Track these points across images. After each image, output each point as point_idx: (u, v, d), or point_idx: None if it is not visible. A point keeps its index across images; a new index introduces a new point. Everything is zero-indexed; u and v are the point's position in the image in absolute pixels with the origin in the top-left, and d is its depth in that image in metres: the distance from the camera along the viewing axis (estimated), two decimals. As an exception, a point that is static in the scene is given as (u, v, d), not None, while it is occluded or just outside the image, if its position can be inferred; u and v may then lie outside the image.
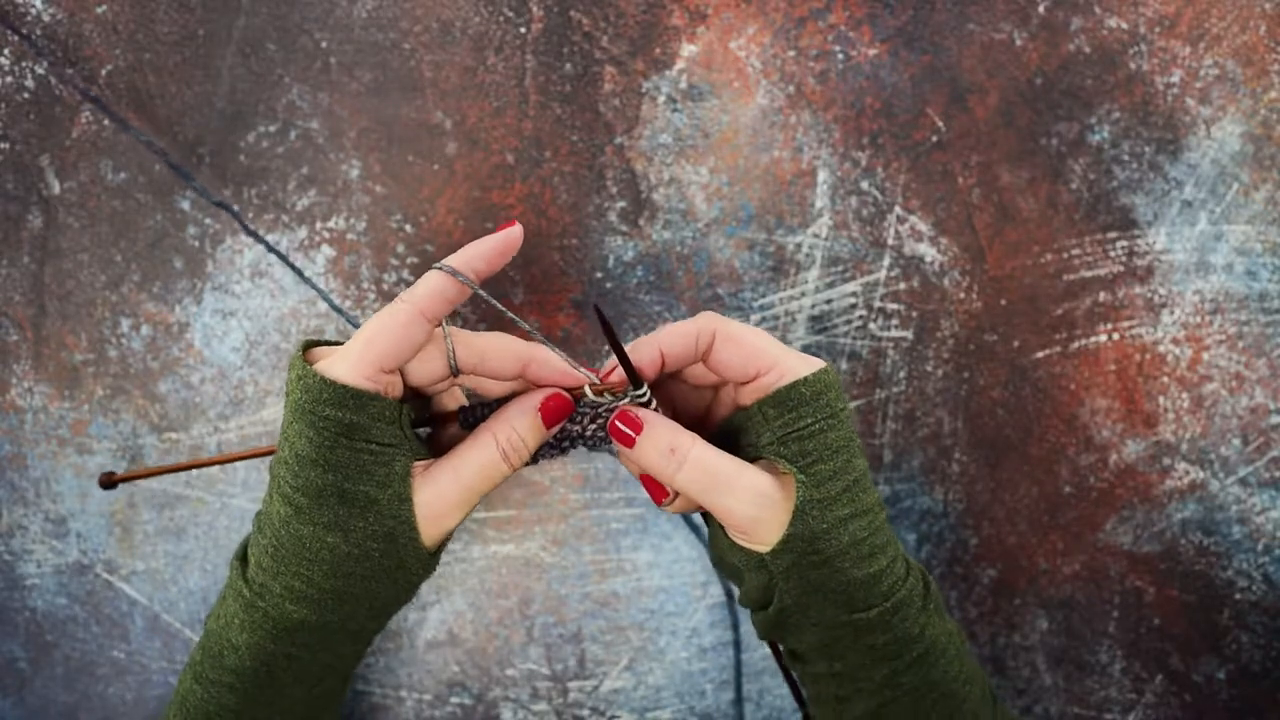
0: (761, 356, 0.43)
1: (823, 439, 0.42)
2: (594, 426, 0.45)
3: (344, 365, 0.40)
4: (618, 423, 0.43)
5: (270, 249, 0.56)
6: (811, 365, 0.43)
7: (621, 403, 0.44)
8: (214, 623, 0.45)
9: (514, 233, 0.43)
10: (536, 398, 0.44)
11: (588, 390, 0.44)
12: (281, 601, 0.42)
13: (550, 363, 0.44)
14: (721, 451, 0.43)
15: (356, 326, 0.56)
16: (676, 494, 0.45)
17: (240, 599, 0.44)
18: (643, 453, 0.43)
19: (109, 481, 0.48)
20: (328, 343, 0.44)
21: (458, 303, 0.43)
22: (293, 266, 0.56)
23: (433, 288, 0.42)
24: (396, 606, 0.46)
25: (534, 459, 0.46)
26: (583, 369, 0.44)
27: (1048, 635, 0.61)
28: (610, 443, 0.45)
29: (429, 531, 0.43)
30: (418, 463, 0.43)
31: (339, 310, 0.56)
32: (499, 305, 0.44)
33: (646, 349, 0.44)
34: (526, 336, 0.44)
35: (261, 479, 0.57)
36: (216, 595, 0.58)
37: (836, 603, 0.43)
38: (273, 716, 0.45)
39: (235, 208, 0.56)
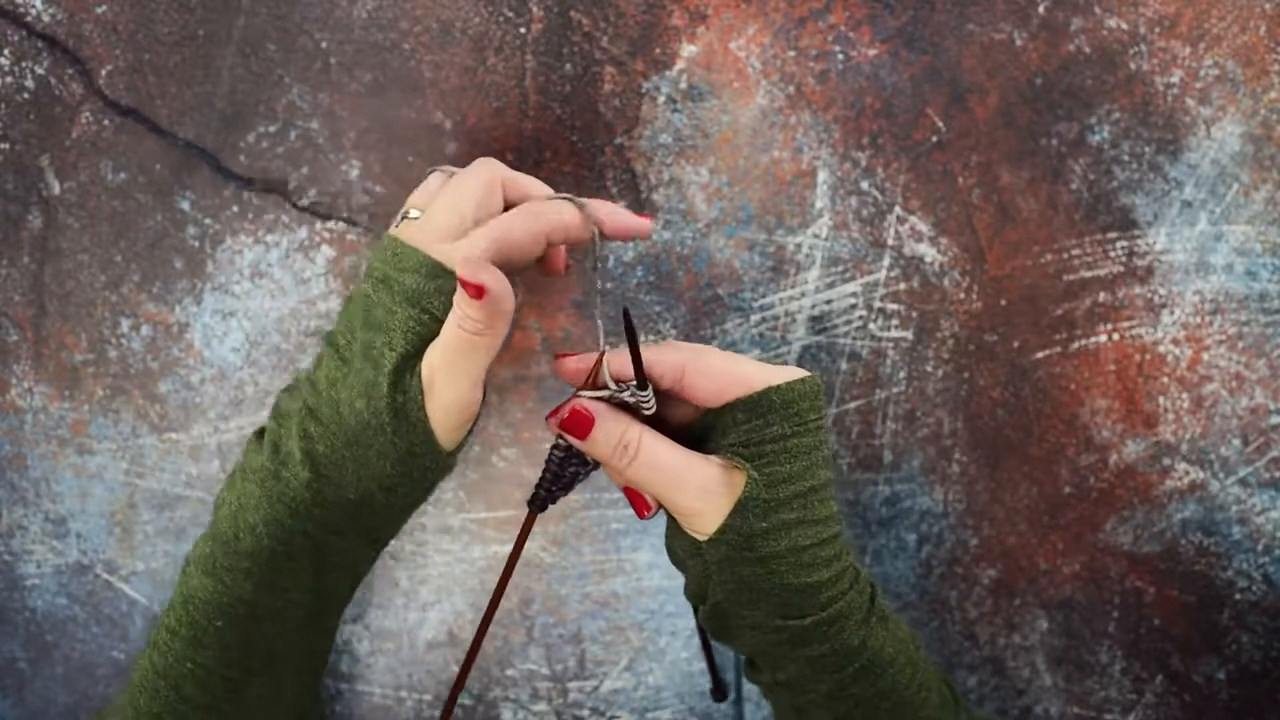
0: (736, 382, 0.42)
1: (784, 443, 0.42)
2: (579, 463, 0.45)
3: (473, 243, 0.43)
4: (570, 417, 0.43)
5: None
6: (789, 375, 0.43)
7: (624, 395, 0.43)
8: (224, 510, 0.45)
9: (646, 225, 0.47)
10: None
11: (605, 371, 0.43)
12: (303, 492, 0.43)
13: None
14: (673, 445, 0.43)
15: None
16: (659, 507, 0.45)
17: (259, 474, 0.44)
18: (594, 445, 0.43)
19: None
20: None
21: (570, 239, 0.46)
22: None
23: (578, 216, 0.45)
24: (409, 510, 0.47)
25: (544, 505, 0.46)
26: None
27: (1048, 635, 0.61)
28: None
29: (450, 421, 0.44)
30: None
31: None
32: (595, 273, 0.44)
33: (619, 363, 0.44)
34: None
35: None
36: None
37: (770, 606, 0.43)
38: (285, 609, 0.45)
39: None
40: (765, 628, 0.44)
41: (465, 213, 0.44)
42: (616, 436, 0.43)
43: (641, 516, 0.45)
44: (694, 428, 0.46)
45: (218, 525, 0.45)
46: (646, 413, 0.43)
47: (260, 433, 0.46)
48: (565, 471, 0.45)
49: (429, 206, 0.45)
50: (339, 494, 0.43)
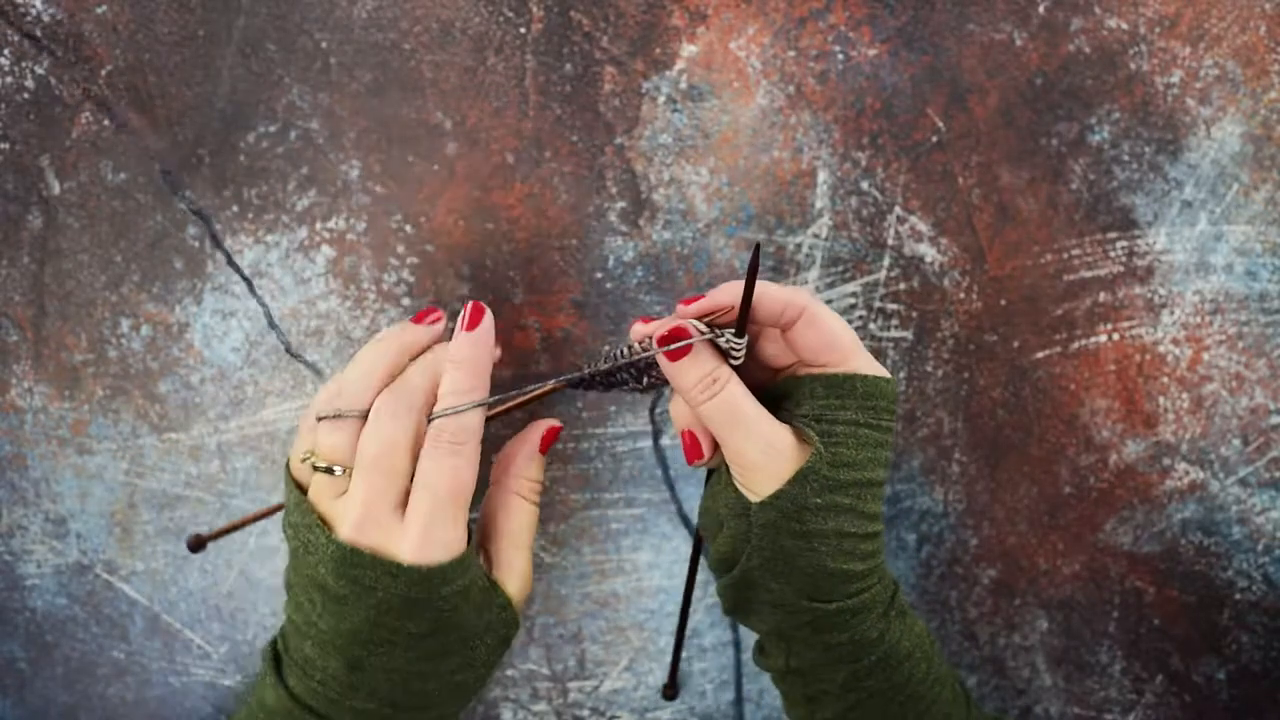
0: (837, 347, 0.43)
1: (856, 430, 0.43)
2: (634, 376, 0.46)
3: (455, 535, 0.41)
4: (669, 335, 0.43)
5: (230, 262, 0.56)
6: (877, 369, 0.44)
7: (720, 340, 0.44)
8: None
9: (487, 324, 0.44)
10: (534, 438, 0.47)
11: (694, 324, 0.44)
12: None
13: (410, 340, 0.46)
14: (754, 399, 0.43)
15: (303, 359, 0.56)
16: (713, 454, 0.45)
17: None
18: (682, 372, 0.43)
19: (198, 543, 0.48)
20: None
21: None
22: (246, 279, 0.56)
23: (476, 419, 0.43)
24: None
25: (578, 384, 0.47)
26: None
27: (1048, 635, 0.61)
28: (652, 389, 0.46)
29: (523, 606, 0.46)
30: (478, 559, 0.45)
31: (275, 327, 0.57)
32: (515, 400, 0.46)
33: (731, 296, 0.44)
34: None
35: (261, 479, 0.57)
36: (216, 595, 0.59)
37: (800, 584, 0.43)
38: None
39: (214, 220, 0.56)
40: (789, 606, 0.44)
41: (399, 465, 0.42)
42: (708, 369, 0.43)
43: (690, 462, 0.46)
44: (770, 390, 0.46)
45: None
46: (735, 362, 0.44)
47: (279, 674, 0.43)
48: (617, 375, 0.46)
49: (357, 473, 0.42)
50: None
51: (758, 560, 0.43)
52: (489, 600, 0.43)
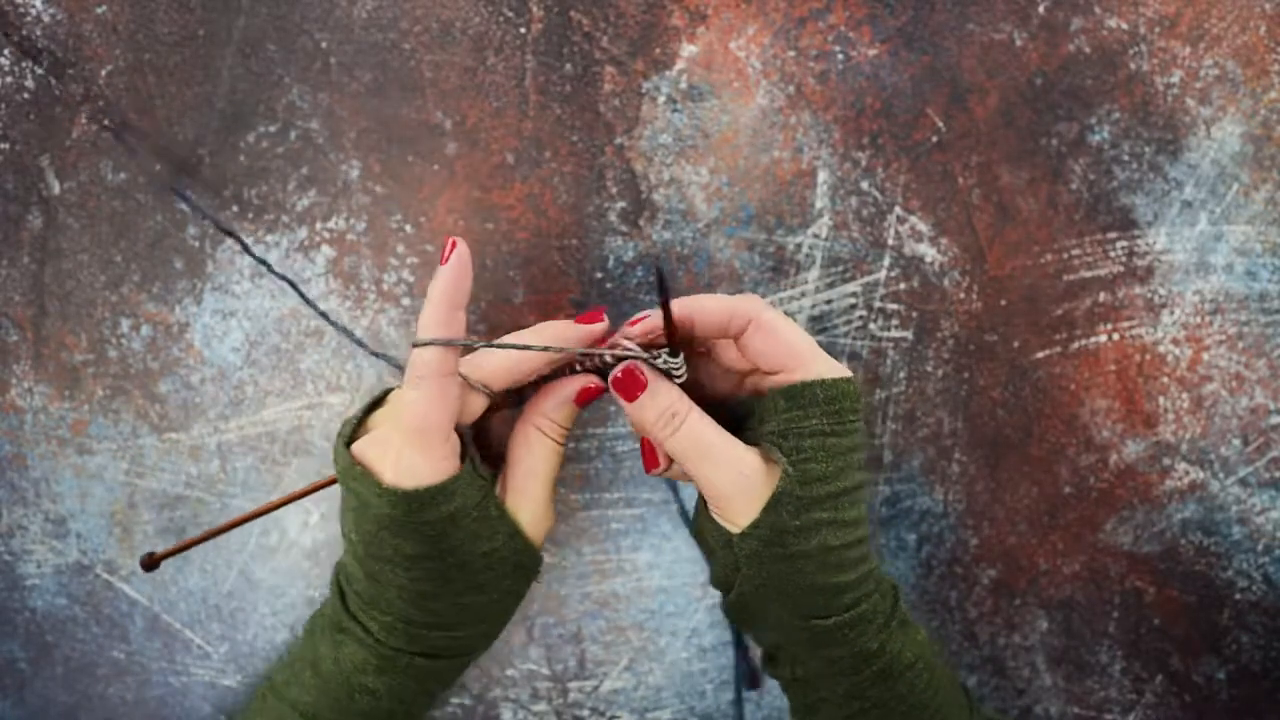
0: (791, 354, 0.43)
1: (823, 441, 0.42)
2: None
3: (423, 464, 0.41)
4: (623, 377, 0.43)
5: (260, 261, 0.56)
6: (835, 370, 0.43)
7: (657, 362, 0.43)
8: (330, 665, 0.45)
9: (461, 252, 0.43)
10: (569, 389, 0.46)
11: (627, 343, 0.44)
12: (423, 658, 0.45)
13: (567, 336, 0.45)
14: (717, 426, 0.43)
15: (352, 338, 0.56)
16: (669, 465, 0.46)
17: (371, 650, 0.45)
18: (641, 410, 0.43)
19: (151, 562, 0.48)
20: (354, 431, 0.44)
21: (461, 352, 0.43)
22: (285, 278, 0.56)
23: (437, 355, 0.42)
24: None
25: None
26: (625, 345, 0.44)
27: (1048, 635, 0.61)
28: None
29: (540, 538, 0.46)
30: (497, 489, 0.45)
31: (333, 322, 0.56)
32: (489, 345, 0.44)
33: (676, 310, 0.43)
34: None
35: (262, 479, 0.57)
36: (216, 595, 0.58)
37: (794, 604, 0.43)
38: None
39: (238, 230, 0.56)
40: (787, 626, 0.44)
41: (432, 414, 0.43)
42: (665, 405, 0.43)
43: (649, 471, 0.46)
44: (733, 405, 0.46)
45: (322, 680, 0.45)
46: (678, 380, 0.44)
47: (342, 593, 0.46)
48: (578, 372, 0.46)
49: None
50: (469, 655, 0.47)
51: (750, 586, 0.44)
52: (490, 529, 0.43)
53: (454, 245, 0.43)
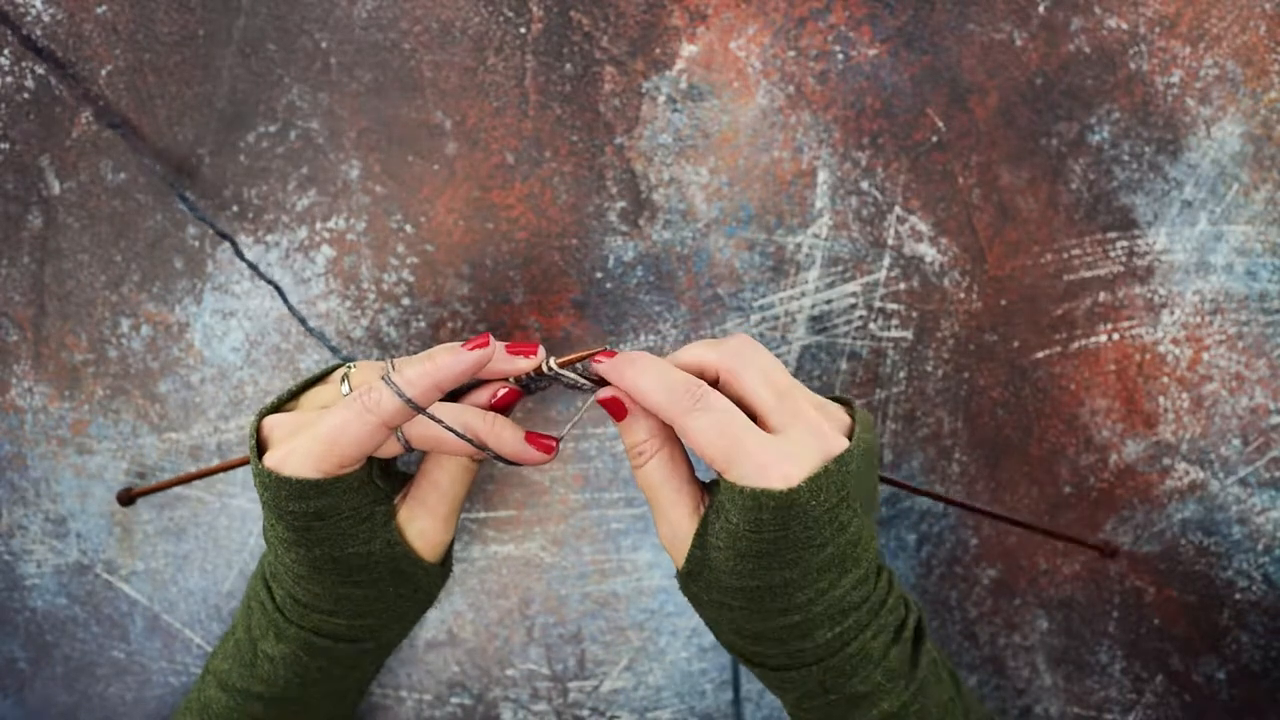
0: (712, 459, 0.41)
1: (734, 543, 0.41)
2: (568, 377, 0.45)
3: (306, 462, 0.42)
4: (607, 403, 0.44)
5: (254, 270, 0.56)
6: (765, 480, 0.39)
7: (568, 372, 0.45)
8: (243, 631, 0.47)
9: (487, 354, 0.42)
10: (484, 396, 0.46)
11: (551, 363, 0.44)
12: (313, 635, 0.46)
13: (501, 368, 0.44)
14: (679, 476, 0.44)
15: (336, 352, 0.56)
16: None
17: (271, 620, 0.46)
18: (623, 433, 0.45)
19: (127, 497, 0.50)
20: (281, 403, 0.45)
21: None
22: (276, 286, 0.56)
23: (399, 409, 0.42)
24: (421, 614, 0.50)
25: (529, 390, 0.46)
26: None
27: (1048, 635, 0.61)
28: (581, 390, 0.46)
29: (430, 552, 0.46)
30: (399, 496, 0.46)
31: (318, 336, 0.57)
32: (455, 432, 0.44)
33: (616, 391, 0.44)
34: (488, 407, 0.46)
35: (261, 479, 0.57)
36: (216, 595, 0.59)
37: (743, 642, 0.45)
38: (320, 701, 0.48)
39: (233, 235, 0.56)
40: (737, 649, 0.46)
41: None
42: (637, 440, 0.44)
43: (617, 421, 0.45)
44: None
45: (235, 645, 0.48)
46: (585, 391, 0.45)
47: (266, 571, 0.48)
48: (532, 386, 0.46)
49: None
50: (357, 644, 0.47)
51: (706, 620, 0.46)
52: (367, 533, 0.44)
53: (485, 344, 0.42)
